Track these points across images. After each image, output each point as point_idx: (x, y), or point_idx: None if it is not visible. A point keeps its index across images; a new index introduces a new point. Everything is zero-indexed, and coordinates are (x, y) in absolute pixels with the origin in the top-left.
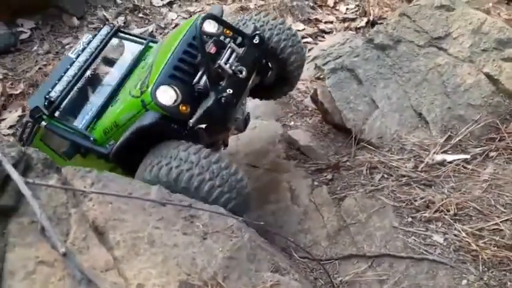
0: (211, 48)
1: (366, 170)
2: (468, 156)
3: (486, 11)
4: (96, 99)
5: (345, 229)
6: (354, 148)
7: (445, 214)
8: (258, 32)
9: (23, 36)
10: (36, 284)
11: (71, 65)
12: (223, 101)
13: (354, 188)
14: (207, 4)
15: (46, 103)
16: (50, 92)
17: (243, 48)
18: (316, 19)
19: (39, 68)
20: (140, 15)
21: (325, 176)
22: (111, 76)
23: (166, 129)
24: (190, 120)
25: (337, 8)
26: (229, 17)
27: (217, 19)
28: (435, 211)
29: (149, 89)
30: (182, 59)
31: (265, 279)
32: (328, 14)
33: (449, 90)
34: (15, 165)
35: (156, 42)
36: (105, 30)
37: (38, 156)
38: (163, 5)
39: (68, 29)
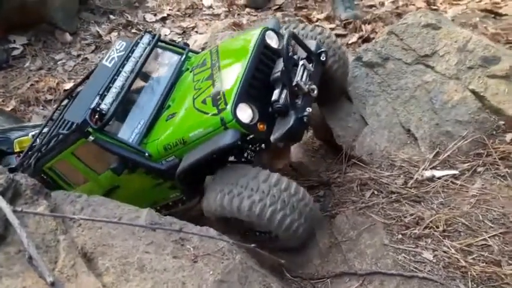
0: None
1: (357, 186)
2: (457, 172)
3: (473, 25)
4: (141, 111)
5: (336, 246)
6: (345, 165)
7: (435, 230)
8: (323, 50)
9: (15, 53)
10: None
11: (115, 75)
12: (305, 120)
13: (345, 205)
14: (200, 20)
15: (96, 116)
16: (98, 104)
17: (311, 65)
18: None
19: (31, 85)
20: (133, 30)
21: (317, 192)
22: (153, 86)
23: (241, 148)
24: (272, 137)
25: (325, 24)
26: (221, 33)
27: (297, 38)
28: (425, 227)
29: (228, 107)
30: (254, 76)
31: None
32: None
33: (437, 107)
34: (3, 193)
35: (195, 52)
36: (146, 38)
37: (26, 183)
38: (156, 21)
39: (61, 45)
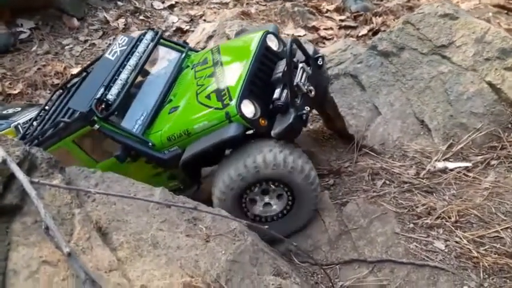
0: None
1: (368, 176)
2: (470, 164)
3: (486, 21)
4: (143, 104)
5: (346, 234)
6: (356, 154)
7: (446, 221)
8: (320, 54)
9: (23, 36)
10: (39, 284)
11: (120, 67)
12: (304, 117)
13: (355, 194)
14: (208, 8)
15: (102, 105)
16: (105, 94)
17: (310, 68)
18: (317, 25)
19: (38, 69)
20: (141, 17)
21: (327, 181)
22: (154, 82)
23: (242, 140)
24: (272, 132)
25: (335, 15)
26: (230, 22)
27: (299, 43)
28: (436, 218)
29: (233, 102)
30: (256, 75)
31: (267, 282)
32: (330, 21)
33: (452, 98)
34: (19, 165)
35: (195, 50)
36: (149, 35)
37: (42, 156)
38: (164, 8)
39: (68, 30)
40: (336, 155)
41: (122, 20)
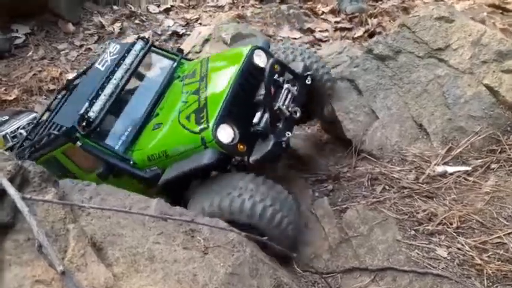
0: (271, 90)
1: (367, 181)
2: (469, 168)
3: (481, 21)
4: (129, 118)
5: (346, 242)
6: (355, 159)
7: (448, 227)
8: (309, 73)
9: (18, 42)
10: None
11: (105, 81)
12: (283, 145)
13: (355, 200)
14: (204, 11)
15: (84, 122)
16: (87, 111)
17: (296, 88)
18: (312, 27)
19: (34, 74)
20: (137, 21)
21: (326, 186)
22: (143, 93)
23: (220, 166)
24: (251, 159)
25: (330, 17)
26: (225, 25)
27: (282, 64)
28: (438, 224)
29: (210, 127)
30: (239, 96)
31: None
32: (325, 23)
33: (450, 102)
34: (11, 180)
35: (188, 59)
36: (139, 45)
37: (34, 170)
38: (160, 12)
39: (64, 35)
40: (334, 160)
41: (117, 24)
